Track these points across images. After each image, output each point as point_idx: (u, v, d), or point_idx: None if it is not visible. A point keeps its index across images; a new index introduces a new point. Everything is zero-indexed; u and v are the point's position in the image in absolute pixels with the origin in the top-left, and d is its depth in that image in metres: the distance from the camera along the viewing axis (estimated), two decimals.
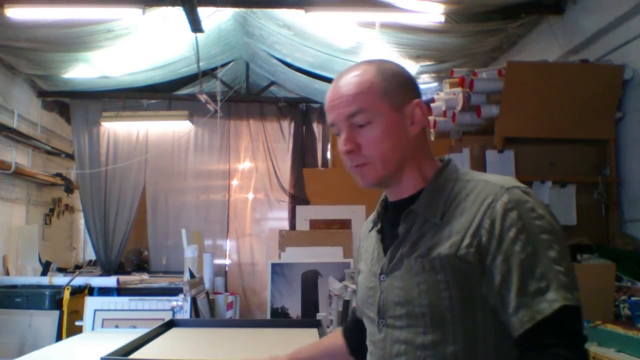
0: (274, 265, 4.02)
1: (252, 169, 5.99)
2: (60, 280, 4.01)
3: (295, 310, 3.92)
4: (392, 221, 1.07)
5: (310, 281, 3.94)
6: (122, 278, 4.12)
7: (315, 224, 4.83)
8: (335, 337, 1.36)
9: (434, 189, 1.01)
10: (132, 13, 3.77)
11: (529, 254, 0.88)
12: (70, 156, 6.20)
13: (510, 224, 0.89)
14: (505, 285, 0.89)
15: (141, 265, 6.07)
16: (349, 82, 1.02)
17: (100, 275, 5.07)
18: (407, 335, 0.97)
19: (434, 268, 0.94)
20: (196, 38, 4.28)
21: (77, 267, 6.16)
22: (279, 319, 3.75)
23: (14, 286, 4.05)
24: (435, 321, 0.93)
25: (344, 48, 4.48)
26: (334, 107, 1.03)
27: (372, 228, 1.14)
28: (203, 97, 5.08)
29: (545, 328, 0.85)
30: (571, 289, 0.86)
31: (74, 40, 4.36)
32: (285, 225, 5.63)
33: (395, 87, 1.02)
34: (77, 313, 3.61)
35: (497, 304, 0.91)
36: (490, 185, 0.95)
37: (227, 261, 5.85)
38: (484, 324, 0.92)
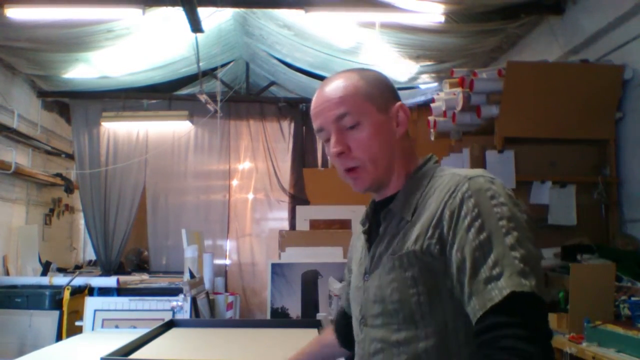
0: (274, 266, 4.02)
1: (252, 169, 5.99)
2: (60, 280, 4.01)
3: (295, 310, 3.91)
4: (377, 221, 1.08)
5: (310, 281, 3.94)
6: (122, 278, 4.12)
7: (315, 224, 4.83)
8: (329, 331, 1.41)
9: (410, 187, 1.03)
10: (132, 13, 3.77)
11: (482, 240, 0.86)
12: (70, 156, 6.19)
13: (466, 211, 0.89)
14: (461, 273, 0.87)
15: (141, 265, 6.07)
16: (333, 87, 1.04)
17: (100, 275, 5.06)
18: (383, 334, 0.98)
19: (403, 264, 0.95)
20: (196, 38, 4.28)
21: (77, 267, 6.16)
22: (279, 319, 3.75)
23: (14, 286, 4.05)
24: (407, 318, 0.94)
25: (344, 48, 4.48)
26: (321, 111, 1.04)
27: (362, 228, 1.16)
28: (203, 97, 5.08)
29: (497, 317, 0.80)
30: (527, 276, 0.81)
31: (74, 40, 4.36)
32: (285, 225, 5.63)
33: (378, 90, 1.05)
34: (77, 313, 3.61)
35: (458, 294, 0.89)
36: (456, 177, 0.95)
37: (227, 261, 5.85)
38: (454, 318, 0.91)
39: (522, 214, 0.90)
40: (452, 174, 0.97)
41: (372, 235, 1.09)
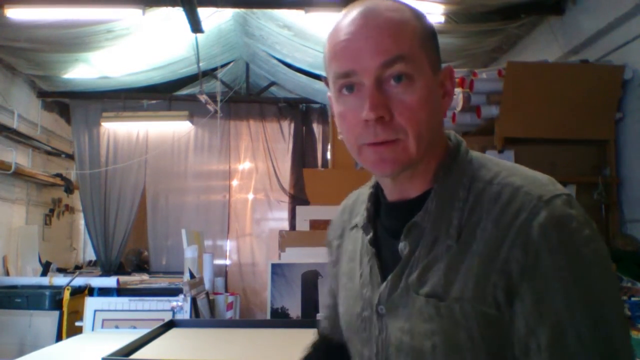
0: (274, 266, 4.02)
1: (252, 169, 5.99)
2: (60, 280, 4.01)
3: (295, 310, 3.91)
4: (390, 229, 0.80)
5: (310, 281, 3.94)
6: (122, 278, 4.12)
7: (315, 224, 4.83)
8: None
9: (444, 193, 0.74)
10: (132, 13, 3.77)
11: (572, 298, 0.62)
12: (70, 156, 6.20)
13: (548, 251, 0.63)
14: (533, 341, 0.63)
15: (141, 265, 6.07)
16: (384, 15, 0.72)
17: (100, 275, 5.06)
18: None
19: (453, 317, 0.67)
20: (196, 38, 4.28)
21: (77, 267, 6.16)
22: (279, 319, 3.75)
23: (14, 286, 4.05)
24: None
25: None
26: (360, 46, 0.70)
27: (356, 227, 0.89)
28: (203, 98, 5.08)
29: None
30: None
31: (74, 40, 4.36)
32: (285, 225, 5.63)
33: (433, 41, 0.78)
34: (77, 313, 3.61)
35: None
36: (522, 194, 0.69)
37: (227, 261, 5.85)
38: None
39: (606, 248, 0.68)
40: (513, 188, 0.71)
41: (379, 246, 0.81)
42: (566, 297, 0.62)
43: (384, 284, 0.77)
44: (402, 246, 0.75)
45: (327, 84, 0.80)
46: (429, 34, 0.77)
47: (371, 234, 0.82)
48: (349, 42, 0.71)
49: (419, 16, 0.76)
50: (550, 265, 0.63)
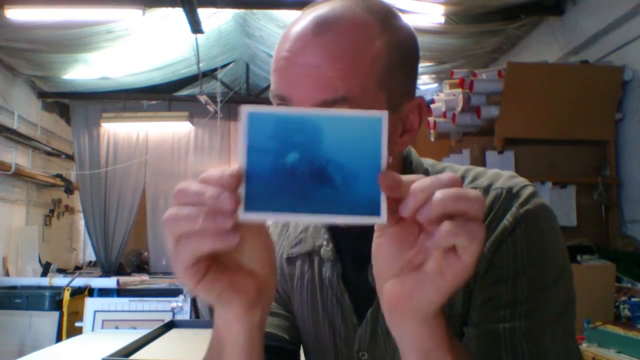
0: None
1: None
2: (60, 281, 4.01)
3: None
4: (354, 261, 0.73)
5: None
6: (122, 279, 4.12)
7: None
8: None
9: None
10: (132, 14, 3.77)
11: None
12: (70, 157, 6.20)
13: (517, 237, 0.64)
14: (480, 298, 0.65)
15: (141, 266, 6.07)
16: (339, 35, 0.60)
17: (100, 276, 5.06)
18: None
19: None
20: (196, 39, 4.28)
21: (77, 268, 6.16)
22: None
23: (14, 287, 4.05)
24: None
25: None
26: (302, 74, 0.60)
27: (300, 257, 0.80)
28: (203, 98, 5.08)
29: None
30: None
31: (74, 41, 4.36)
32: None
33: (401, 69, 0.64)
34: (77, 314, 3.62)
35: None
36: (492, 193, 0.67)
37: None
38: None
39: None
40: (478, 188, 0.67)
41: (347, 278, 0.74)
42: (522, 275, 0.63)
43: (363, 324, 0.71)
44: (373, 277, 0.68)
45: None
46: (401, 59, 0.64)
47: (339, 265, 0.74)
48: (289, 63, 0.61)
49: (391, 35, 0.63)
50: (518, 248, 0.63)
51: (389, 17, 0.64)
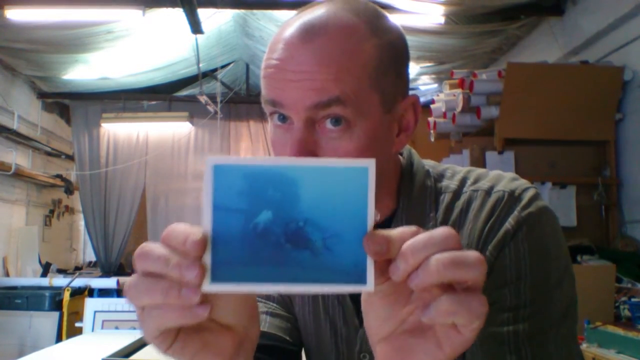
0: None
1: None
2: (60, 281, 4.01)
3: None
4: None
5: None
6: (122, 279, 4.12)
7: None
8: None
9: (410, 213, 0.70)
10: (132, 14, 3.77)
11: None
12: (70, 157, 6.20)
13: (519, 240, 0.64)
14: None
15: None
16: (329, 39, 0.59)
17: (100, 276, 5.06)
18: None
19: None
20: (196, 39, 4.28)
21: (77, 268, 6.16)
22: None
23: (14, 287, 4.05)
24: None
25: None
26: (293, 80, 0.59)
27: None
28: (203, 99, 5.08)
29: None
30: None
31: (74, 41, 4.37)
32: None
33: (394, 70, 0.64)
34: (77, 314, 3.62)
35: None
36: (493, 195, 0.67)
37: None
38: None
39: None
40: (479, 190, 0.68)
41: None
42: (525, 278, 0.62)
43: (364, 328, 0.71)
44: None
45: None
46: (391, 59, 0.63)
47: None
48: (278, 70, 0.60)
49: (380, 36, 0.62)
50: (520, 251, 0.63)
51: (376, 18, 0.63)
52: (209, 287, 0.39)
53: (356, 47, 0.59)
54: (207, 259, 0.39)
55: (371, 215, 0.40)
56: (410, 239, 0.40)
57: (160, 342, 0.43)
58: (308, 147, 0.59)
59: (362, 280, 0.40)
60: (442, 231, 0.40)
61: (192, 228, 0.40)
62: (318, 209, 0.40)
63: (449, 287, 0.40)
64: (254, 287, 0.41)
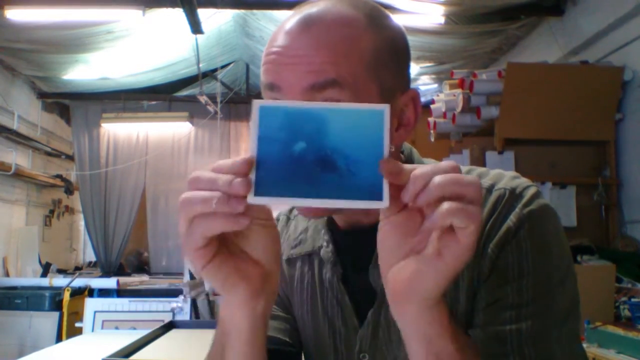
0: None
1: None
2: (60, 281, 4.01)
3: None
4: (354, 262, 0.72)
5: None
6: (122, 279, 4.12)
7: None
8: None
9: None
10: (132, 14, 3.77)
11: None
12: (70, 157, 6.20)
13: (522, 239, 0.64)
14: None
15: (141, 266, 6.07)
16: (327, 27, 0.60)
17: (100, 276, 5.06)
18: None
19: None
20: (196, 39, 4.28)
21: (77, 268, 6.16)
22: None
23: (14, 287, 4.05)
24: None
25: None
26: (291, 63, 0.60)
27: (300, 258, 0.80)
28: (203, 99, 5.08)
29: None
30: None
31: (74, 41, 4.37)
32: None
33: (393, 61, 0.64)
34: (77, 314, 3.62)
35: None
36: (494, 192, 0.67)
37: None
38: None
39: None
40: (482, 188, 0.63)
41: (348, 281, 0.73)
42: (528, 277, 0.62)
43: (364, 325, 0.70)
44: (374, 279, 0.68)
45: None
46: (390, 52, 0.64)
47: (341, 271, 0.73)
48: (277, 56, 0.61)
49: (379, 29, 0.63)
50: (522, 249, 0.63)
51: (376, 13, 0.65)
52: (253, 199, 0.47)
53: (354, 35, 0.61)
54: (252, 177, 0.47)
55: (387, 146, 0.48)
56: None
57: (201, 255, 0.49)
58: None
59: (378, 197, 0.47)
60: (446, 163, 0.47)
61: (236, 158, 0.47)
62: (343, 141, 0.48)
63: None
64: (291, 201, 0.51)
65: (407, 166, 0.47)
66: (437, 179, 0.45)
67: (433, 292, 0.48)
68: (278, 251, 0.56)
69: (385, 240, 0.50)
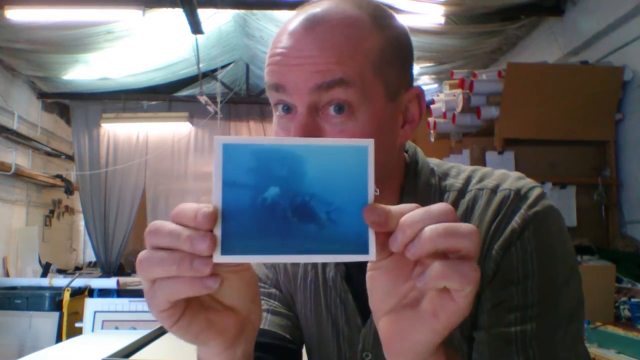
0: None
1: None
2: (60, 281, 4.01)
3: None
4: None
5: None
6: (122, 279, 4.12)
7: None
8: None
9: None
10: (132, 14, 3.77)
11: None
12: (70, 157, 6.20)
13: (526, 239, 0.64)
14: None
15: None
16: (332, 27, 0.60)
17: (100, 276, 5.06)
18: None
19: (452, 342, 0.65)
20: (196, 40, 4.28)
21: (77, 268, 6.16)
22: None
23: (14, 288, 4.05)
24: None
25: None
26: (297, 64, 0.59)
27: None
28: (203, 99, 5.08)
29: None
30: None
31: (74, 41, 4.37)
32: None
33: (397, 60, 0.64)
34: (77, 314, 3.62)
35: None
36: (499, 193, 0.66)
37: None
38: None
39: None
40: (485, 188, 0.68)
41: (352, 280, 0.73)
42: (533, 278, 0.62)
43: (367, 324, 0.70)
44: None
45: None
46: (395, 51, 0.63)
47: (344, 270, 0.73)
48: (282, 57, 0.60)
49: (383, 28, 0.63)
50: (527, 250, 0.63)
51: (380, 13, 0.65)
52: (219, 258, 0.41)
53: (358, 34, 0.60)
54: (218, 232, 0.41)
55: (371, 190, 0.42)
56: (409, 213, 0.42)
57: (167, 317, 0.44)
58: (311, 133, 0.59)
59: (364, 250, 0.42)
60: (439, 206, 0.42)
61: (201, 204, 0.42)
62: (322, 185, 0.42)
63: (444, 257, 0.41)
64: (262, 258, 0.42)
65: (395, 209, 0.42)
66: (428, 231, 0.40)
67: (427, 348, 0.45)
68: (255, 292, 0.51)
69: (375, 287, 0.47)
